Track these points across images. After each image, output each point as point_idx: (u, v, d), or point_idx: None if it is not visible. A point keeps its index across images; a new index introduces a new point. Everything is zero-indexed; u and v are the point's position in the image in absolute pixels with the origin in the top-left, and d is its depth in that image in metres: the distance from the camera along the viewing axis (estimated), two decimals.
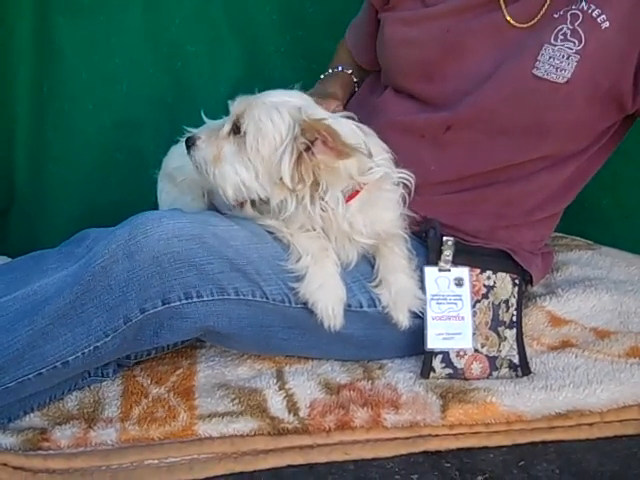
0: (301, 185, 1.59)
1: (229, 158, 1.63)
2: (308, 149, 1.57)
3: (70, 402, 1.70)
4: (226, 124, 1.67)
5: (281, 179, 1.59)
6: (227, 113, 2.03)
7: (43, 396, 1.65)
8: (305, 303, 1.65)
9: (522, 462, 1.61)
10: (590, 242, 2.29)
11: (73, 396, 1.71)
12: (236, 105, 1.67)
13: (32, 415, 1.66)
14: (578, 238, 2.32)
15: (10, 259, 2.31)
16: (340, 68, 2.10)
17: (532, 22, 1.75)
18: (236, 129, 1.64)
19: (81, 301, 1.53)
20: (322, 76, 2.08)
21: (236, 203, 1.67)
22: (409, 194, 1.71)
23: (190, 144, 1.69)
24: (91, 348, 1.56)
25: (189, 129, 2.01)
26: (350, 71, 2.11)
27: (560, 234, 2.28)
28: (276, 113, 1.60)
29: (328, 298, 1.64)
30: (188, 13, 2.35)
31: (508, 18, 1.76)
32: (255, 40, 2.43)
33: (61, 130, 2.38)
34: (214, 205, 1.90)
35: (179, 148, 2.02)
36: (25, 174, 2.45)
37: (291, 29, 2.42)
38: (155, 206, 2.07)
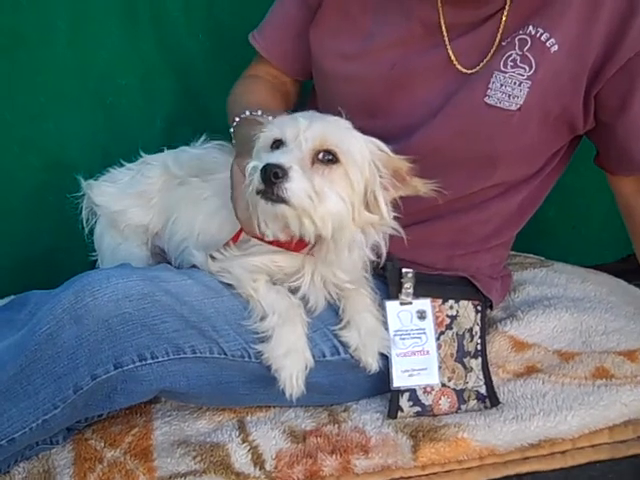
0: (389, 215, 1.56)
1: (327, 191, 1.48)
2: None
3: (18, 475, 1.57)
4: (306, 152, 1.48)
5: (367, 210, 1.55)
6: (163, 146, 1.96)
7: None
8: (268, 366, 1.55)
9: None
10: (542, 258, 2.26)
11: (20, 468, 1.58)
12: (316, 131, 1.49)
13: None
14: (530, 255, 2.28)
15: None
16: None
17: (478, 67, 1.67)
18: (323, 158, 1.49)
19: (26, 373, 1.43)
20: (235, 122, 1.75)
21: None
22: None
23: (281, 175, 1.43)
24: (39, 422, 1.45)
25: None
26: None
27: (512, 252, 2.24)
28: (358, 142, 1.53)
29: (293, 366, 1.54)
30: (116, 45, 2.21)
31: (453, 59, 1.68)
32: (188, 69, 2.30)
33: None
34: (157, 250, 1.82)
35: (107, 187, 1.93)
36: None
37: (223, 54, 2.28)
38: (90, 250, 1.96)
